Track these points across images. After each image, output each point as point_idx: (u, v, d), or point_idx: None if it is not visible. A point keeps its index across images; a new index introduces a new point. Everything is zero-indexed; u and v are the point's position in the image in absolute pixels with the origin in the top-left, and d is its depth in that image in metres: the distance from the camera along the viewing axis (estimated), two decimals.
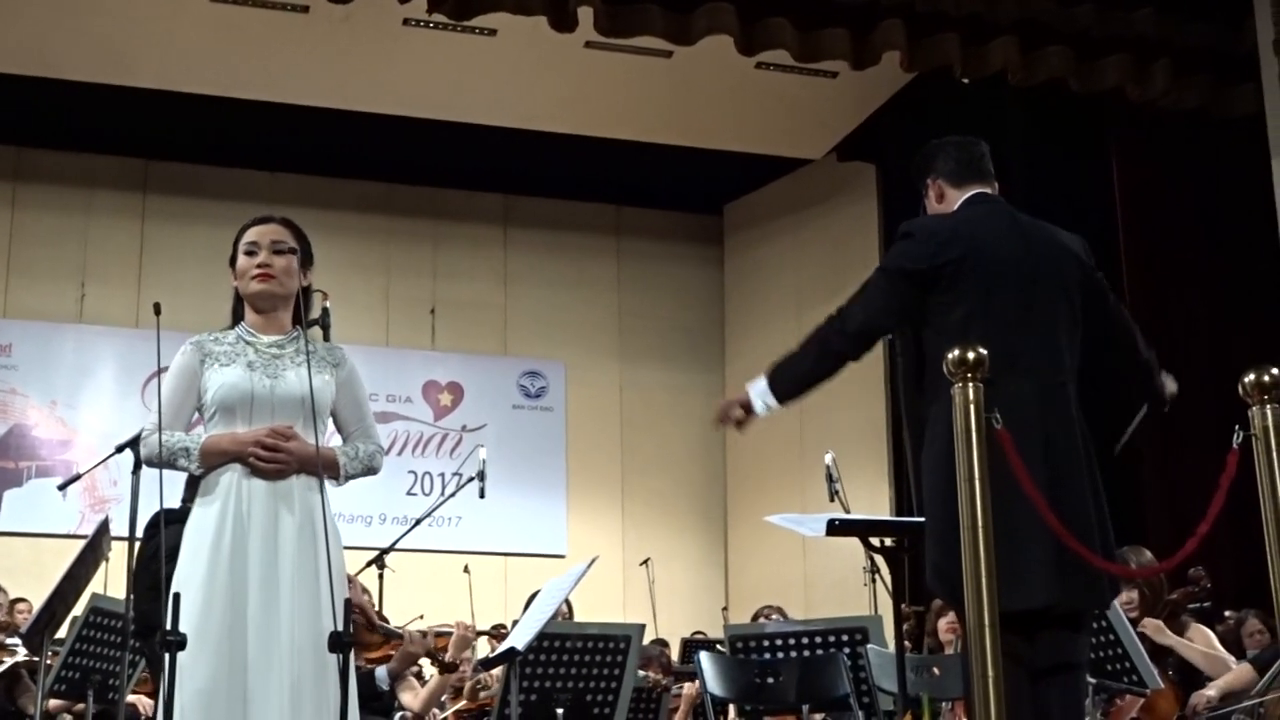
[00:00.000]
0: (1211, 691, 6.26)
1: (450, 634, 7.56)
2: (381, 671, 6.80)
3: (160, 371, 4.24)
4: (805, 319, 14.06)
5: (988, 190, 4.34)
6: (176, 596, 3.61)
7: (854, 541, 5.22)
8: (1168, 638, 6.24)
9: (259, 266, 4.21)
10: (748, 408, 4.34)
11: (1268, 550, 3.62)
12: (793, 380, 4.34)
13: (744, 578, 14.60)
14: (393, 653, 6.99)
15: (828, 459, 8.80)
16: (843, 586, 11.90)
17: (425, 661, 8.18)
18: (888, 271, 4.23)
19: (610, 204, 15.45)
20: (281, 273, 4.22)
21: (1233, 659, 6.48)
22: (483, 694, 7.44)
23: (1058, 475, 3.89)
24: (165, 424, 4.07)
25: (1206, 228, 10.72)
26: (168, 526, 4.10)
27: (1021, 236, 4.21)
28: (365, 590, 7.91)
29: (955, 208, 4.31)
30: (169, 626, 3.54)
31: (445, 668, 7.19)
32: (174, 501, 4.19)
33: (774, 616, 9.32)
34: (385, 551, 8.71)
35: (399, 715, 7.09)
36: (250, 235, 4.27)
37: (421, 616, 10.18)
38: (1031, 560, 3.80)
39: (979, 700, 3.39)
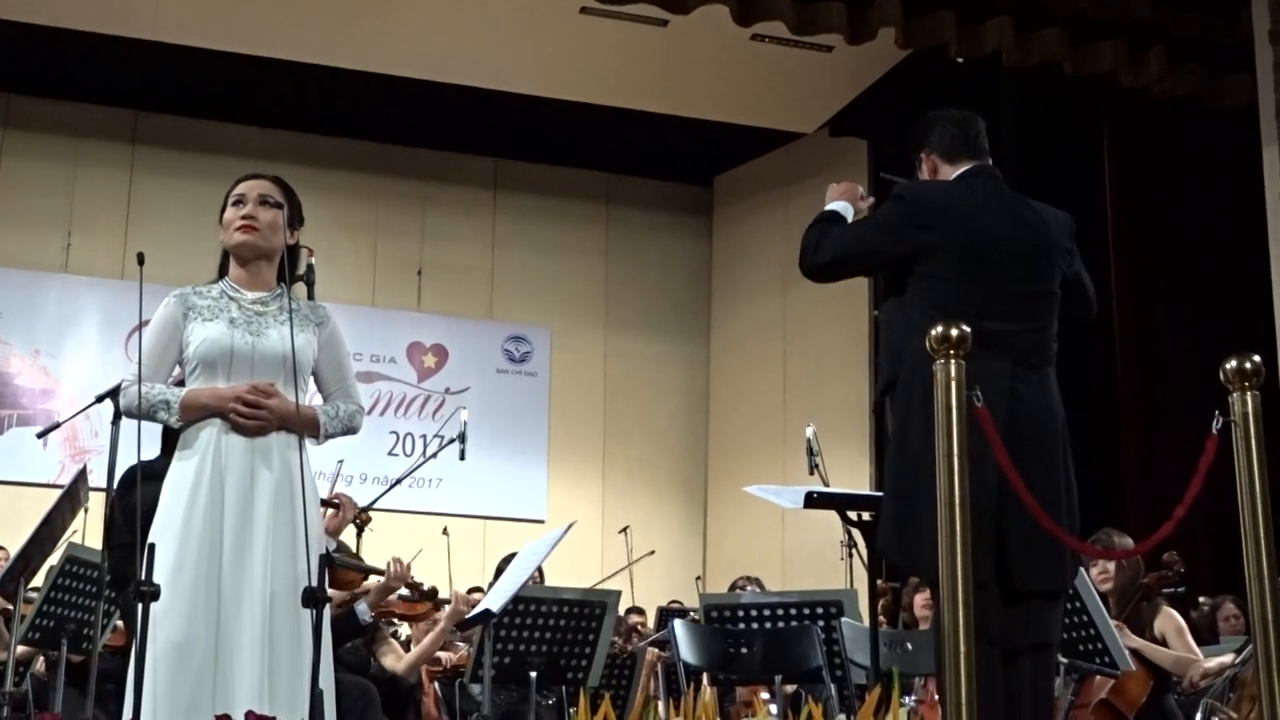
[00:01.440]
0: (1212, 664, 6.30)
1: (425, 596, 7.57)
2: (362, 606, 6.82)
3: (143, 324, 4.23)
4: (790, 294, 14.21)
5: (981, 166, 4.34)
6: (151, 547, 3.61)
7: (832, 515, 5.24)
8: (1132, 640, 6.25)
9: (243, 218, 4.20)
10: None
11: (1243, 536, 3.63)
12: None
13: (722, 548, 14.63)
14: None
15: (809, 432, 8.82)
16: (820, 560, 11.95)
17: (405, 628, 8.23)
18: (878, 226, 4.31)
19: (601, 172, 15.43)
20: (266, 226, 4.21)
21: (1201, 655, 6.50)
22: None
23: (1025, 456, 3.88)
24: (145, 376, 4.06)
25: (1195, 215, 10.74)
26: (145, 482, 4.09)
27: (1010, 214, 4.21)
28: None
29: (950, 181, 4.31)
30: (143, 577, 3.54)
31: (426, 595, 7.25)
32: (154, 453, 4.18)
33: (750, 588, 9.34)
34: (364, 510, 8.69)
35: None
36: (239, 189, 4.28)
37: (420, 551, 10.18)
38: (999, 539, 3.81)
39: (950, 677, 3.40)
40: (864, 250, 4.30)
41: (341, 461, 10.46)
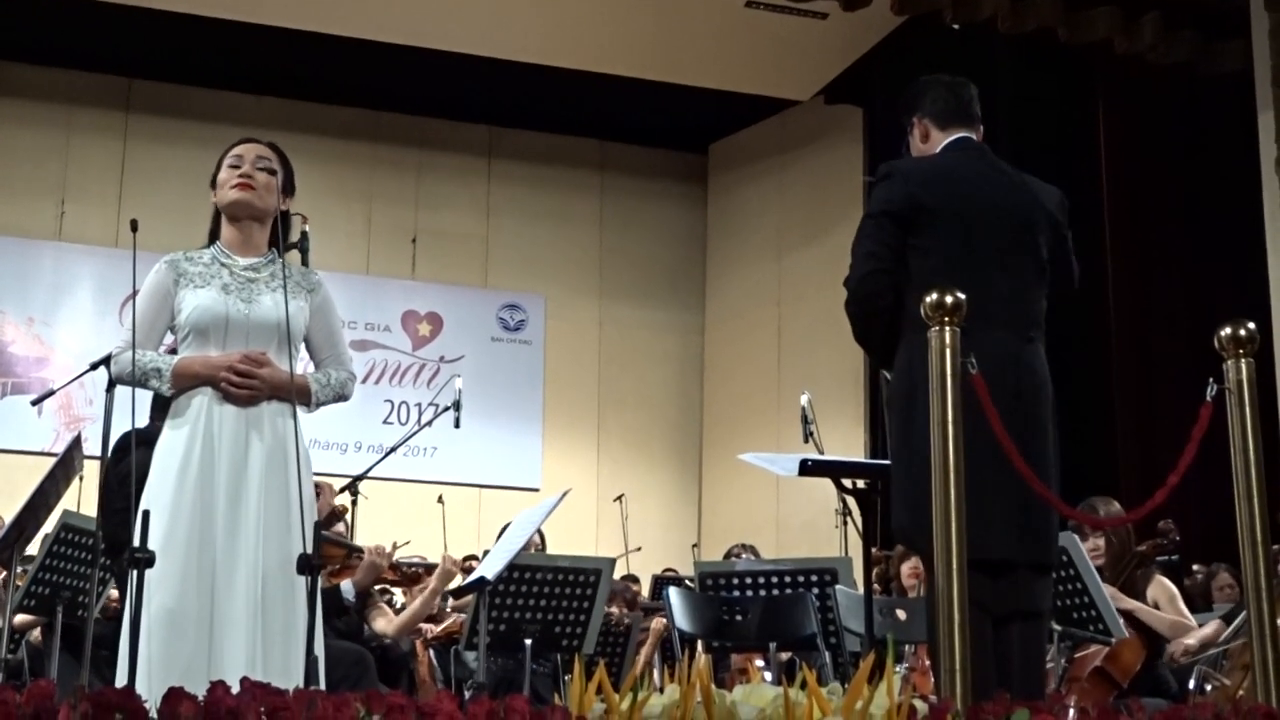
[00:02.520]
0: (1192, 640, 6.31)
1: (417, 566, 7.57)
2: (347, 585, 6.82)
3: (136, 292, 4.21)
4: (785, 261, 14.21)
5: (972, 135, 4.30)
6: (145, 514, 3.60)
7: (827, 483, 5.22)
8: (1126, 603, 6.26)
9: (240, 176, 4.19)
10: None
11: (1237, 504, 3.63)
12: (864, 349, 4.43)
13: (717, 516, 14.65)
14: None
15: (804, 400, 8.81)
16: (814, 528, 11.96)
17: (399, 592, 8.23)
18: (872, 216, 4.19)
19: (596, 139, 15.40)
20: (261, 187, 4.20)
21: (1195, 622, 6.51)
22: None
23: (1023, 429, 3.87)
24: (137, 343, 4.04)
25: (1189, 181, 10.73)
26: (138, 448, 4.08)
27: (1000, 186, 4.18)
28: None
29: (938, 150, 4.28)
30: (137, 544, 3.53)
31: (409, 580, 7.24)
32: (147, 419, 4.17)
33: (745, 555, 9.35)
34: (359, 479, 8.67)
35: None
36: (236, 150, 4.28)
37: (408, 542, 10.22)
38: (993, 511, 3.80)
39: (943, 645, 3.40)
40: (872, 247, 4.12)
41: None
